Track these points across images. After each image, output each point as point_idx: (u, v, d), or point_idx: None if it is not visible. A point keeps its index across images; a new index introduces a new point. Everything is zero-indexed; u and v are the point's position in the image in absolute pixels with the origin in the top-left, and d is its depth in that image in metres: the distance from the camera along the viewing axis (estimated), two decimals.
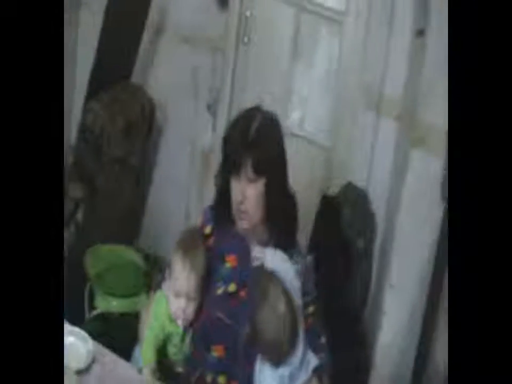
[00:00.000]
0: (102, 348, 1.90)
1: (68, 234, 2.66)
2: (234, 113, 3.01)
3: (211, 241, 1.93)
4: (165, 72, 3.22)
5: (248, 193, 1.78)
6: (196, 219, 3.07)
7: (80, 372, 1.76)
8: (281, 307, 1.71)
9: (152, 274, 2.77)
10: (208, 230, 1.95)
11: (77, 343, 1.85)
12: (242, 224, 1.84)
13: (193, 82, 3.10)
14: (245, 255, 1.88)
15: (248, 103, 2.91)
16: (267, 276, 1.78)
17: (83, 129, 2.90)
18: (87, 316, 2.58)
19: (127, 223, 3.13)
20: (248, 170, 1.76)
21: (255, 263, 1.85)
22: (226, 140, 1.84)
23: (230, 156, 1.81)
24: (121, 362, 1.89)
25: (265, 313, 1.72)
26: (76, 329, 1.89)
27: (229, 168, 1.81)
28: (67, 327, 1.88)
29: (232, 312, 1.84)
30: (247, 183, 1.78)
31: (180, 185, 3.10)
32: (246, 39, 2.98)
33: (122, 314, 2.60)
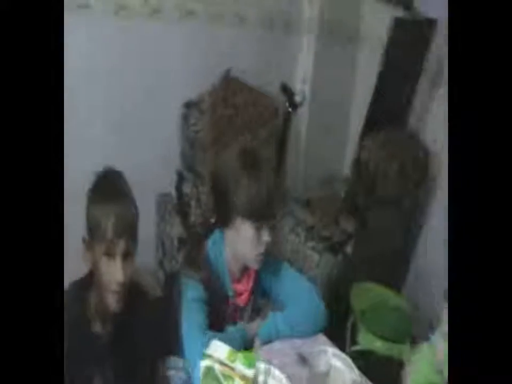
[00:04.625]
0: (366, 381, 1.80)
1: (336, 263, 2.62)
2: None
3: None
4: (440, 122, 3.11)
5: None
6: None
7: None
8: None
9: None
10: None
11: (342, 369, 1.78)
12: None
13: None
14: None
15: None
16: None
17: (357, 165, 2.90)
18: (347, 349, 2.50)
19: (394, 266, 3.02)
20: None
21: None
22: None
23: None
24: None
25: None
26: (343, 355, 1.81)
27: None
28: (334, 350, 1.83)
29: None
30: None
31: None
32: None
33: (383, 357, 2.47)
